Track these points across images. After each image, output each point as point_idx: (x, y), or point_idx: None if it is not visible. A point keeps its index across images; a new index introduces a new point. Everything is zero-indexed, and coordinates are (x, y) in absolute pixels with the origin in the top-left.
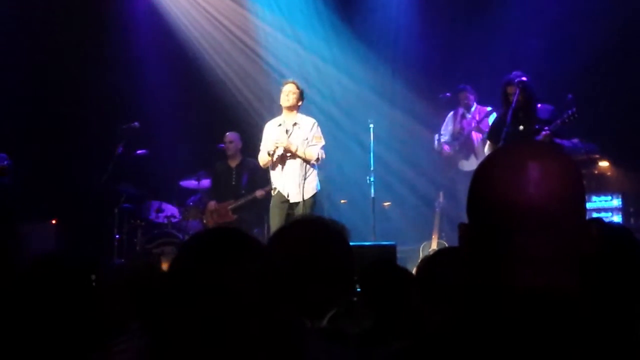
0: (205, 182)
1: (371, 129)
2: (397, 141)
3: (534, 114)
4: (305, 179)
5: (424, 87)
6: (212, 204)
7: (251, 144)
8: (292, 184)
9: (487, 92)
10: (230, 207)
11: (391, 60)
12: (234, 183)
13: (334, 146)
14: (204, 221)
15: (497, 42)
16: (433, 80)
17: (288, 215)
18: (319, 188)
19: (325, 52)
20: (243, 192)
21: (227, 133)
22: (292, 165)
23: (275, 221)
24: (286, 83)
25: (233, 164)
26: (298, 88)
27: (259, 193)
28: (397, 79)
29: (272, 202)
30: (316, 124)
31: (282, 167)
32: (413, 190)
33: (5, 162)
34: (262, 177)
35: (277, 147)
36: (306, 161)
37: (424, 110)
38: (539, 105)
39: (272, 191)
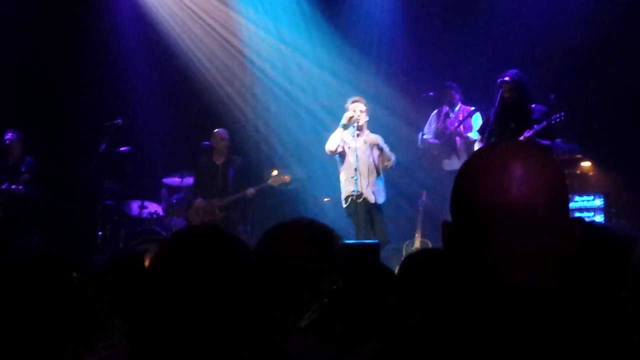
0: (189, 180)
1: (354, 128)
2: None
3: (524, 114)
4: None
5: (407, 86)
6: (198, 201)
7: (234, 141)
8: None
9: (470, 92)
10: (219, 204)
11: (375, 59)
12: (220, 180)
13: (318, 144)
14: (189, 218)
15: (480, 42)
16: (416, 79)
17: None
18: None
19: (309, 51)
20: (230, 189)
21: (219, 130)
22: None
23: None
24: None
25: (219, 161)
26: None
27: (250, 192)
28: (380, 78)
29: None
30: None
31: None
32: (396, 189)
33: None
34: (248, 175)
35: None
36: None
37: (407, 109)
38: (532, 105)
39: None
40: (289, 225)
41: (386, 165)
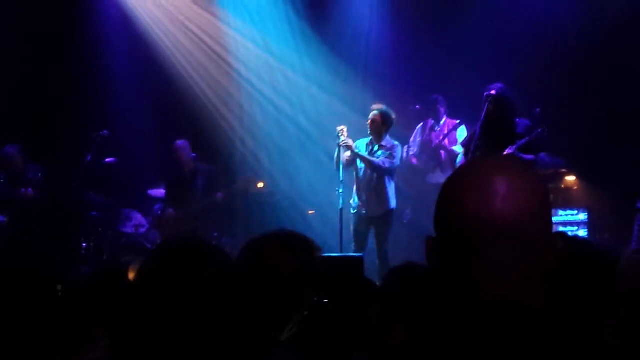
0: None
1: (340, 140)
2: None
3: (509, 128)
4: None
5: (394, 99)
6: (169, 213)
7: (223, 153)
8: None
9: (456, 105)
10: (189, 213)
11: (361, 72)
12: (188, 190)
13: (303, 156)
14: (161, 232)
15: (467, 55)
16: (403, 92)
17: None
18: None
19: (296, 62)
20: (199, 198)
21: (177, 141)
22: None
23: None
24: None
25: (186, 169)
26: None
27: (219, 197)
28: (367, 90)
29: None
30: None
31: None
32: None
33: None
34: (218, 183)
35: None
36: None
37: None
38: (516, 119)
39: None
40: (269, 237)
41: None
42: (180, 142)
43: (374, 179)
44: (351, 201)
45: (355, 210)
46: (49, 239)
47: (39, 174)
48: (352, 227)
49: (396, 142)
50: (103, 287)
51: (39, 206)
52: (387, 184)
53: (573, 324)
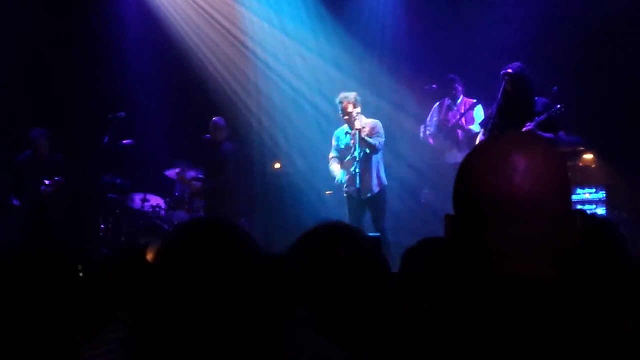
0: (191, 173)
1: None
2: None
3: (527, 107)
4: None
5: (411, 79)
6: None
7: (240, 133)
8: None
9: (472, 84)
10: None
11: (378, 51)
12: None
13: (320, 137)
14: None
15: (483, 33)
16: (420, 71)
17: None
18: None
19: (312, 44)
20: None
21: (215, 118)
22: None
23: None
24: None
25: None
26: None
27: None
28: (384, 70)
29: None
30: None
31: None
32: (399, 181)
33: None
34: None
35: None
36: None
37: (410, 102)
38: (534, 98)
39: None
40: (326, 230)
41: None
42: (214, 119)
43: (368, 161)
44: (344, 185)
45: (348, 194)
46: (66, 222)
47: (62, 162)
48: (346, 209)
49: (374, 120)
50: (123, 268)
51: (56, 199)
52: (380, 163)
53: (590, 301)
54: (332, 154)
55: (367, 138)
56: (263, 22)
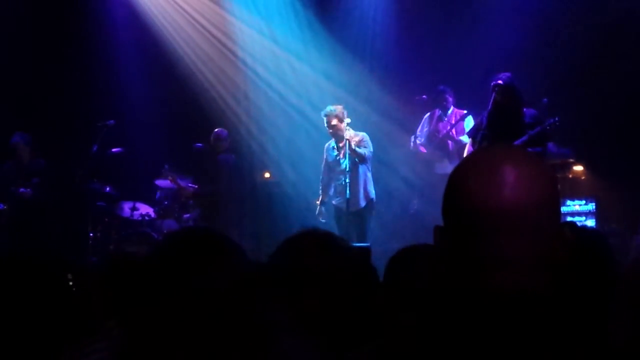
0: (180, 182)
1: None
2: (373, 142)
3: (515, 118)
4: None
5: (401, 89)
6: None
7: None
8: None
9: (462, 95)
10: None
11: (367, 61)
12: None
13: (310, 147)
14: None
15: (473, 45)
16: (409, 81)
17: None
18: None
19: (302, 52)
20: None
21: (217, 129)
22: None
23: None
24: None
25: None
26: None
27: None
28: (373, 80)
29: None
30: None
31: None
32: (388, 191)
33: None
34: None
35: None
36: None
37: (400, 111)
38: (522, 109)
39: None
40: (307, 235)
41: None
42: (216, 130)
43: (355, 173)
44: (333, 197)
45: (336, 206)
46: (51, 231)
47: (42, 167)
48: (334, 221)
49: (360, 133)
50: (112, 276)
51: (37, 202)
52: (367, 176)
53: (580, 314)
54: (323, 167)
55: (355, 148)
56: (253, 31)
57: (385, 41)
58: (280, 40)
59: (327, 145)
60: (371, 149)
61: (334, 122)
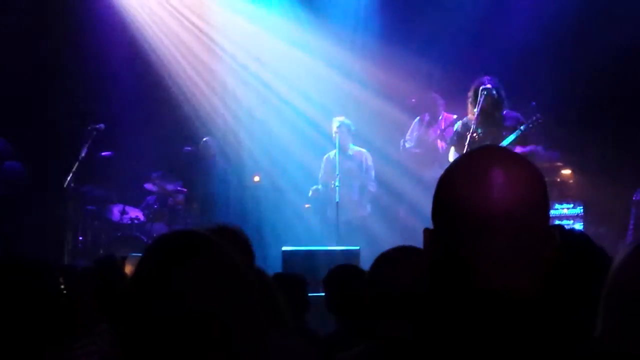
0: (169, 186)
1: (337, 137)
2: (364, 145)
3: (499, 121)
4: None
5: (389, 92)
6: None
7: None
8: None
9: (453, 100)
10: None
11: (357, 53)
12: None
13: (299, 152)
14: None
15: (462, 48)
16: (397, 86)
17: None
18: None
19: (290, 50)
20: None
21: (206, 138)
22: None
23: None
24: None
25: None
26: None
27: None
28: (363, 86)
29: None
30: None
31: None
32: (378, 195)
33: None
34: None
35: None
36: None
37: (388, 117)
38: (504, 112)
39: None
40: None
41: None
42: (207, 139)
43: (350, 182)
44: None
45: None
46: (31, 235)
47: (17, 171)
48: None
49: (362, 150)
50: (102, 280)
51: (15, 204)
52: (366, 192)
53: (568, 316)
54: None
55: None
56: (243, 29)
57: (372, 38)
58: (272, 39)
59: (326, 157)
60: (373, 170)
61: (345, 133)
